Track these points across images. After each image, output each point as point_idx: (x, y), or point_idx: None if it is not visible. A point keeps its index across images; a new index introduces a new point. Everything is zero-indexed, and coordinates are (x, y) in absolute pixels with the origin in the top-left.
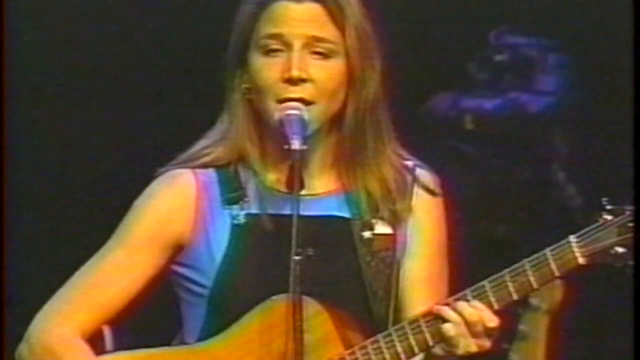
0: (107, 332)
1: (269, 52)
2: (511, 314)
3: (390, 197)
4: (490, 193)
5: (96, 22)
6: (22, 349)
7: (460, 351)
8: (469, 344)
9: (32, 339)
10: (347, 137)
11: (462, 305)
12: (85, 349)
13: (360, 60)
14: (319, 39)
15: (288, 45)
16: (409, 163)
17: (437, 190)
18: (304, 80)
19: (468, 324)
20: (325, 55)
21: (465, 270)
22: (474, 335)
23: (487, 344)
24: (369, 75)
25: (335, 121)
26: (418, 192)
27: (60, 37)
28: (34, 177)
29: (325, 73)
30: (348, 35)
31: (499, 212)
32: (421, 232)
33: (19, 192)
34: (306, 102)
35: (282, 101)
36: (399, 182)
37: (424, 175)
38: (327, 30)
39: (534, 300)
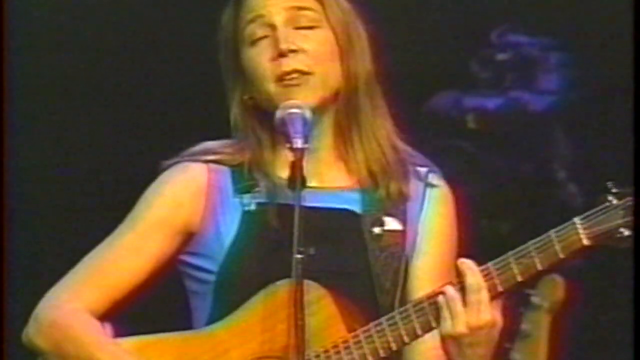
0: (109, 329)
1: (255, 42)
2: (513, 313)
3: (388, 172)
4: (492, 191)
5: (96, 22)
6: (30, 326)
7: (452, 331)
8: (458, 323)
9: (40, 316)
10: (341, 106)
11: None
12: (96, 322)
13: (345, 29)
14: (301, 8)
15: (271, 26)
16: (422, 169)
17: (449, 195)
18: (294, 52)
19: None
20: (310, 28)
21: None
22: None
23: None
24: (356, 44)
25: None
26: (430, 194)
27: (60, 37)
28: (34, 176)
29: (315, 41)
30: (328, 5)
31: (500, 211)
32: (432, 233)
33: (18, 192)
34: (303, 73)
35: (280, 78)
36: (396, 162)
37: (436, 179)
38: (307, 1)
39: (535, 299)
